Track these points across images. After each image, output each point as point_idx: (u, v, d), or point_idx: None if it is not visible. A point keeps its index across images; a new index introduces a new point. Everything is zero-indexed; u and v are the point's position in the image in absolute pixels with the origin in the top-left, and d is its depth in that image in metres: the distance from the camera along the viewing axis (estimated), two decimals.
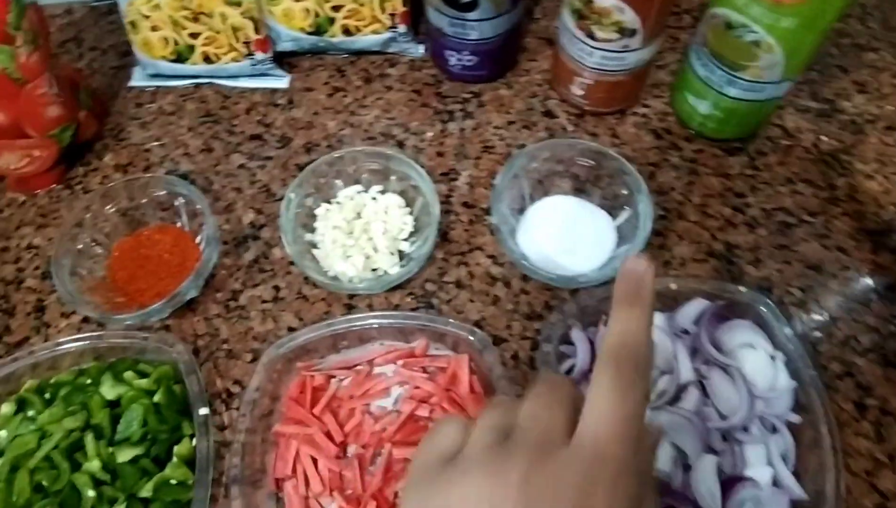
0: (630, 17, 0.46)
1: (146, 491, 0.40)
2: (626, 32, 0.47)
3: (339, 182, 0.51)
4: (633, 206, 0.47)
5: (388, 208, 0.50)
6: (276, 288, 0.49)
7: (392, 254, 0.48)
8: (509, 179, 0.48)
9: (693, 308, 0.45)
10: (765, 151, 0.54)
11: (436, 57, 0.59)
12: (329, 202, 0.51)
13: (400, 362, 0.45)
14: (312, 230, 0.50)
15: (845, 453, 0.41)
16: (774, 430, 0.42)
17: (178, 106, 0.59)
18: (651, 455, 0.25)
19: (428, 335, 0.45)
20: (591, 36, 0.48)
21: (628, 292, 0.24)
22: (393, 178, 0.51)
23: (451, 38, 0.54)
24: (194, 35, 0.56)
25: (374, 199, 0.51)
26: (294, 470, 0.42)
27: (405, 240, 0.49)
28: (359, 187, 0.51)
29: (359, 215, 0.50)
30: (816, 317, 0.47)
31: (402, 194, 0.51)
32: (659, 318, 0.45)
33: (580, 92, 0.54)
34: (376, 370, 0.45)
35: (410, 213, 0.50)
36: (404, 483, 0.34)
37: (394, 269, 0.48)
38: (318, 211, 0.50)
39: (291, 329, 0.48)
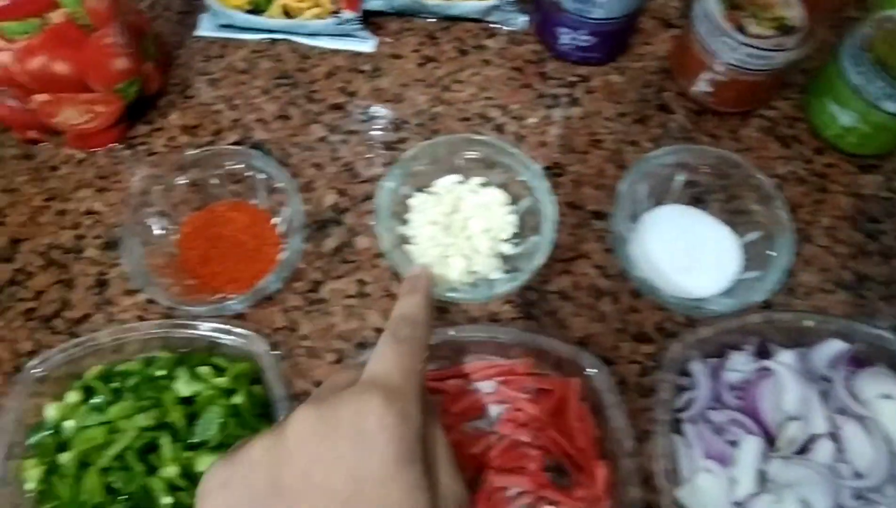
0: (796, 13, 0.40)
1: None
2: (785, 29, 0.41)
3: (434, 168, 0.46)
4: (767, 230, 0.42)
5: (490, 204, 0.45)
6: (362, 282, 0.45)
7: (493, 257, 0.44)
8: (631, 186, 0.43)
9: (827, 350, 0.40)
10: None
11: (543, 32, 0.52)
12: (423, 191, 0.45)
13: (500, 378, 0.41)
14: (405, 222, 0.45)
15: None
16: None
17: (250, 63, 0.53)
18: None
19: (529, 351, 0.41)
20: (741, 29, 0.42)
21: (409, 286, 0.31)
22: (496, 169, 0.46)
23: (570, 13, 0.48)
24: None
25: (473, 192, 0.46)
26: None
27: (506, 242, 0.45)
28: (458, 177, 0.46)
29: (456, 210, 0.45)
30: None
31: (504, 187, 0.46)
32: (789, 356, 0.40)
33: (707, 88, 0.48)
34: (472, 385, 0.41)
35: (515, 211, 0.45)
36: None
37: (495, 274, 0.43)
38: (411, 201, 0.45)
39: (378, 330, 0.44)
